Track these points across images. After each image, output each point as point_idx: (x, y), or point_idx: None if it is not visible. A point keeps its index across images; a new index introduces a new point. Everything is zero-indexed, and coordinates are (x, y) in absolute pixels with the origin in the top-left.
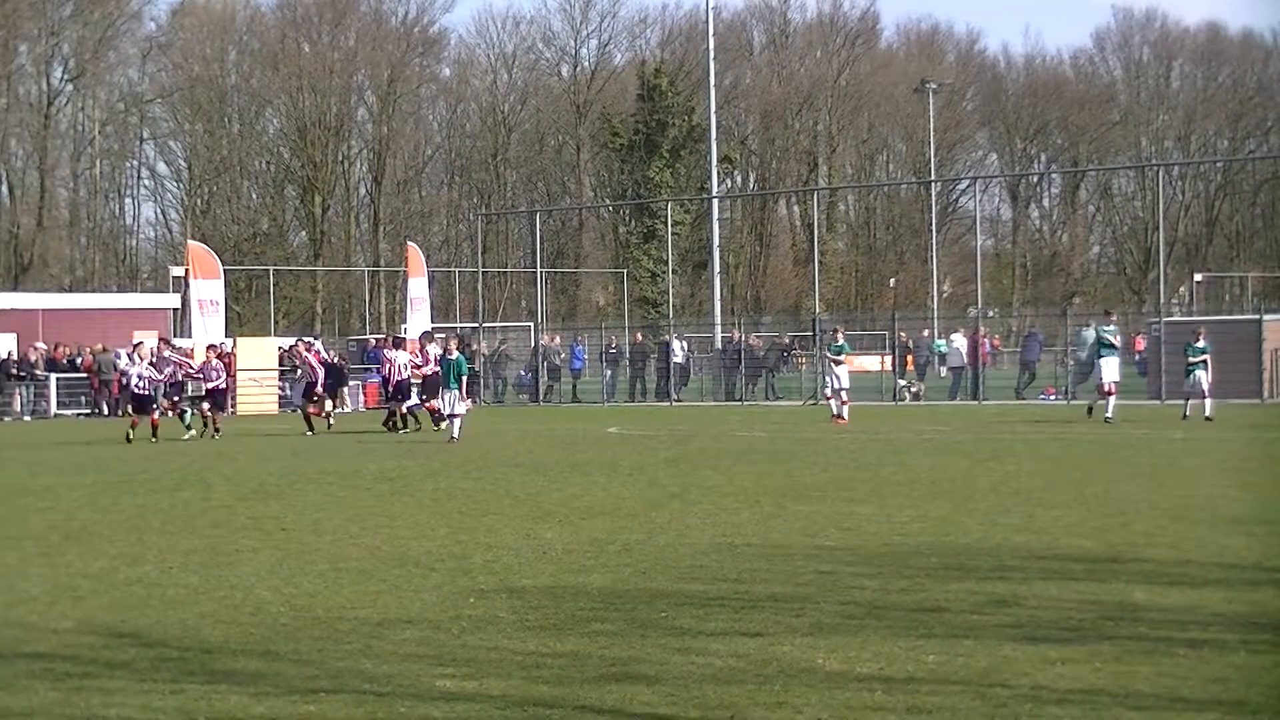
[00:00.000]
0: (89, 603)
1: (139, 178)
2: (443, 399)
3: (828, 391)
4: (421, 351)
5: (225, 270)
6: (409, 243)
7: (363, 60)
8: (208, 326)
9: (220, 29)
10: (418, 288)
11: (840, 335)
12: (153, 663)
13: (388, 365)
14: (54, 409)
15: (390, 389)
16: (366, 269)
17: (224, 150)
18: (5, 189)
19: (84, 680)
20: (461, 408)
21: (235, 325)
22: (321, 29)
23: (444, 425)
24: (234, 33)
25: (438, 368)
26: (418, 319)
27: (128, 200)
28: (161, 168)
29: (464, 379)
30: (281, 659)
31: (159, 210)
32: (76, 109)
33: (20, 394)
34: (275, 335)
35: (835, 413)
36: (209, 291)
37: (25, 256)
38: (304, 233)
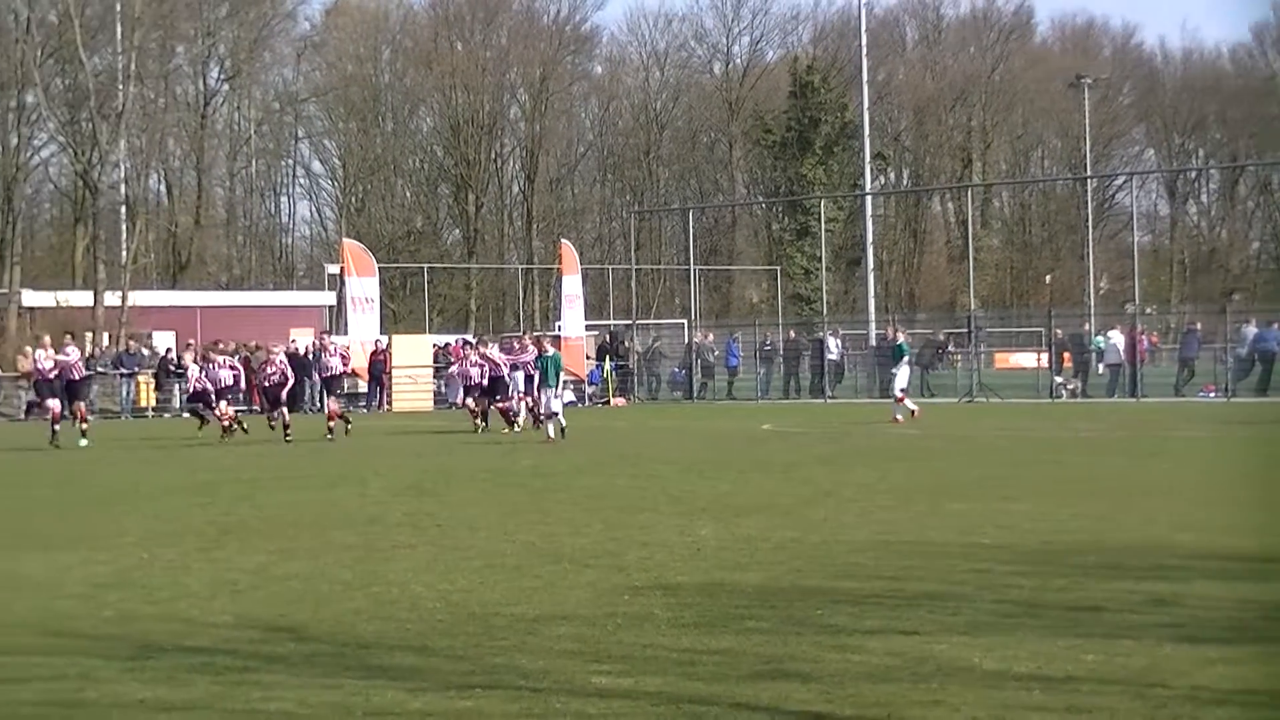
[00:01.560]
0: (247, 598)
1: (294, 176)
2: (541, 397)
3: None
4: (465, 355)
5: (380, 268)
6: (562, 240)
7: (515, 58)
8: (363, 324)
9: (374, 28)
10: (571, 285)
11: (901, 336)
12: (309, 657)
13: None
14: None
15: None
16: (520, 267)
17: (378, 149)
18: (163, 188)
19: (243, 674)
20: (558, 405)
21: (390, 323)
22: (474, 27)
23: (539, 425)
24: (387, 32)
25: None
26: (571, 317)
27: (283, 199)
28: (316, 166)
29: (560, 376)
30: (437, 654)
31: (314, 208)
32: (232, 108)
33: (178, 390)
34: (430, 333)
35: (897, 414)
36: (364, 289)
37: (183, 255)
38: (457, 230)
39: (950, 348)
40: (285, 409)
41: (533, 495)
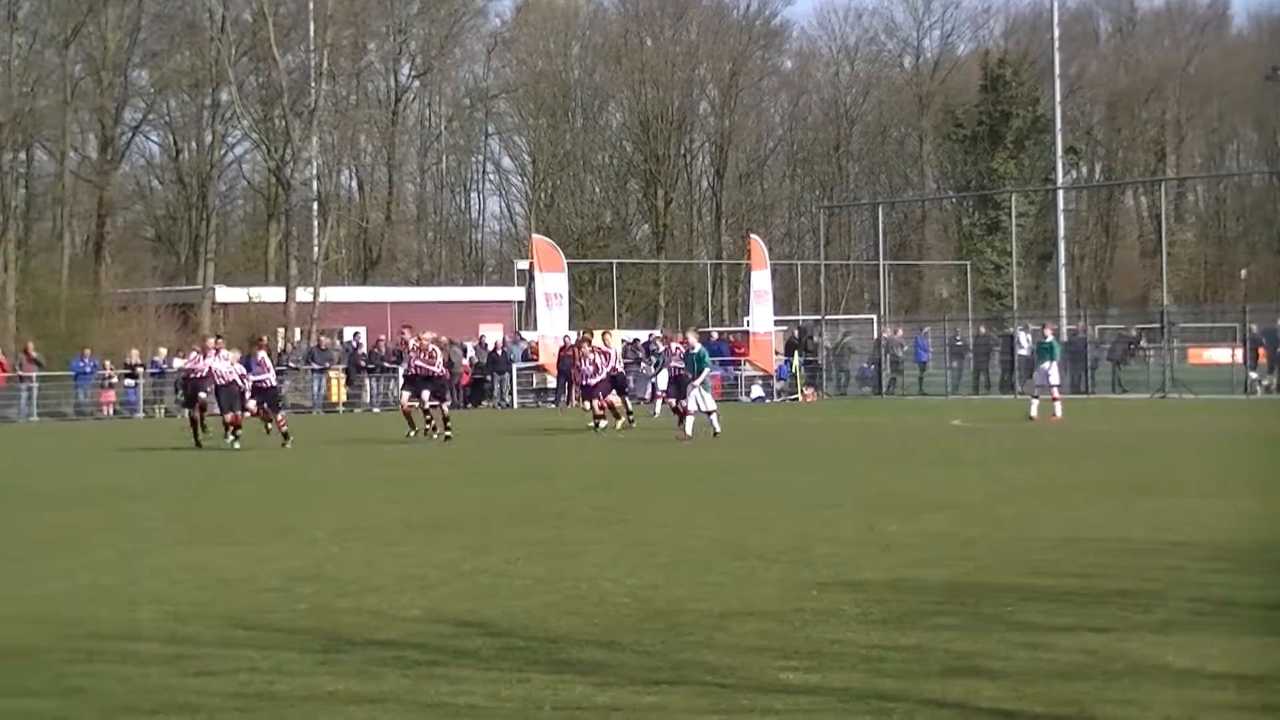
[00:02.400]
0: (436, 592)
1: (484, 172)
2: (687, 394)
3: (1036, 391)
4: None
5: (569, 263)
6: (751, 235)
7: (704, 54)
8: (552, 319)
9: (564, 24)
10: (760, 280)
11: (1049, 333)
12: (499, 651)
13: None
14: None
15: (585, 386)
16: (709, 262)
17: (567, 144)
18: (355, 184)
19: (432, 668)
20: (694, 403)
21: (579, 318)
22: (663, 23)
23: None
24: (577, 28)
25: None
26: (760, 312)
27: (473, 194)
28: (506, 162)
29: (705, 372)
30: (624, 650)
31: (504, 204)
32: (423, 105)
33: (369, 385)
34: (619, 328)
35: (1033, 413)
36: (553, 285)
37: (374, 251)
38: (646, 226)
39: (1143, 343)
40: (442, 404)
41: (718, 491)
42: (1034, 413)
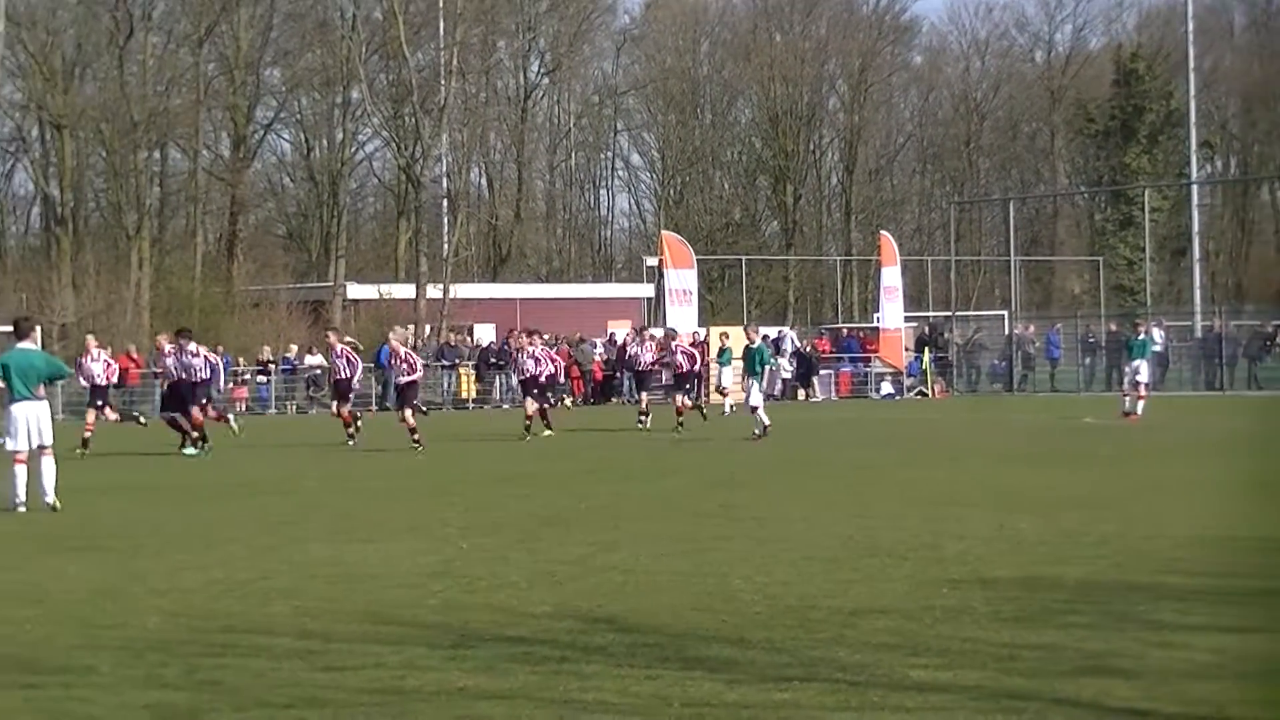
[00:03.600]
0: (566, 588)
1: (613, 169)
2: (746, 390)
3: (1125, 387)
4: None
5: (698, 260)
6: (881, 231)
7: (834, 49)
8: (681, 316)
9: (692, 20)
10: (890, 276)
11: (1143, 330)
12: (629, 648)
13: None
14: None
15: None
16: (838, 258)
17: (696, 141)
18: (484, 182)
19: (561, 664)
20: (757, 398)
21: (709, 314)
22: (793, 19)
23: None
24: (706, 24)
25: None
26: (890, 308)
27: (602, 191)
28: (635, 159)
29: (767, 368)
30: (754, 647)
31: (633, 201)
32: (553, 102)
33: (499, 382)
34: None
35: (1128, 409)
36: (682, 281)
37: (504, 248)
38: (776, 222)
39: (1279, 339)
40: (540, 403)
41: (847, 487)
42: (1130, 408)
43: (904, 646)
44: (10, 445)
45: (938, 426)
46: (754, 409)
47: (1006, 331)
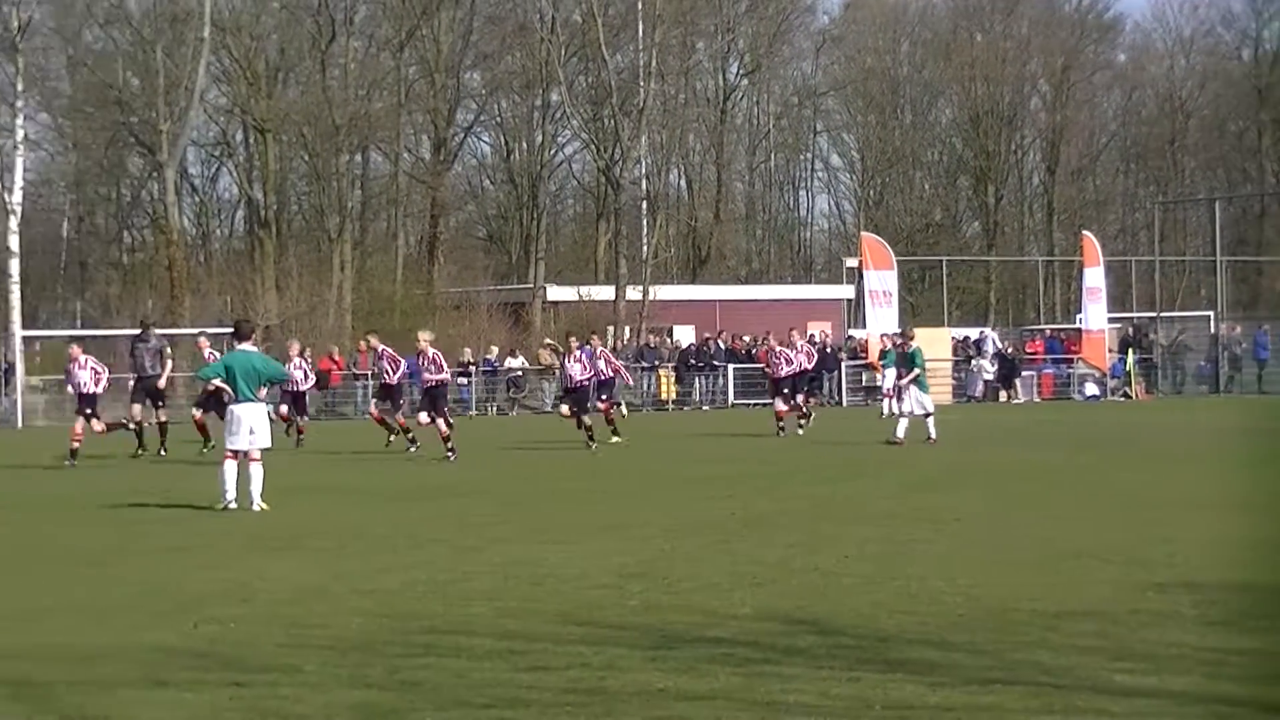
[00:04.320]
0: (767, 590)
1: (812, 170)
2: (899, 395)
3: None
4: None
5: (898, 261)
6: (1084, 232)
7: (1036, 48)
8: (881, 317)
9: (892, 20)
10: (1093, 277)
11: None
12: (829, 650)
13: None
14: (731, 399)
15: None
16: (1040, 259)
17: (896, 141)
18: (684, 183)
19: (763, 665)
20: (912, 405)
21: (909, 316)
22: (994, 18)
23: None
24: (906, 24)
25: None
26: (1094, 309)
27: (802, 192)
28: (835, 160)
29: (916, 371)
30: (956, 649)
31: (832, 202)
32: (751, 103)
33: (699, 384)
34: (948, 326)
35: None
36: (882, 282)
37: (703, 249)
38: (977, 223)
39: None
40: (582, 412)
41: (1049, 489)
42: None
43: (1108, 650)
44: (230, 444)
45: (1141, 429)
46: (908, 414)
47: (1212, 332)
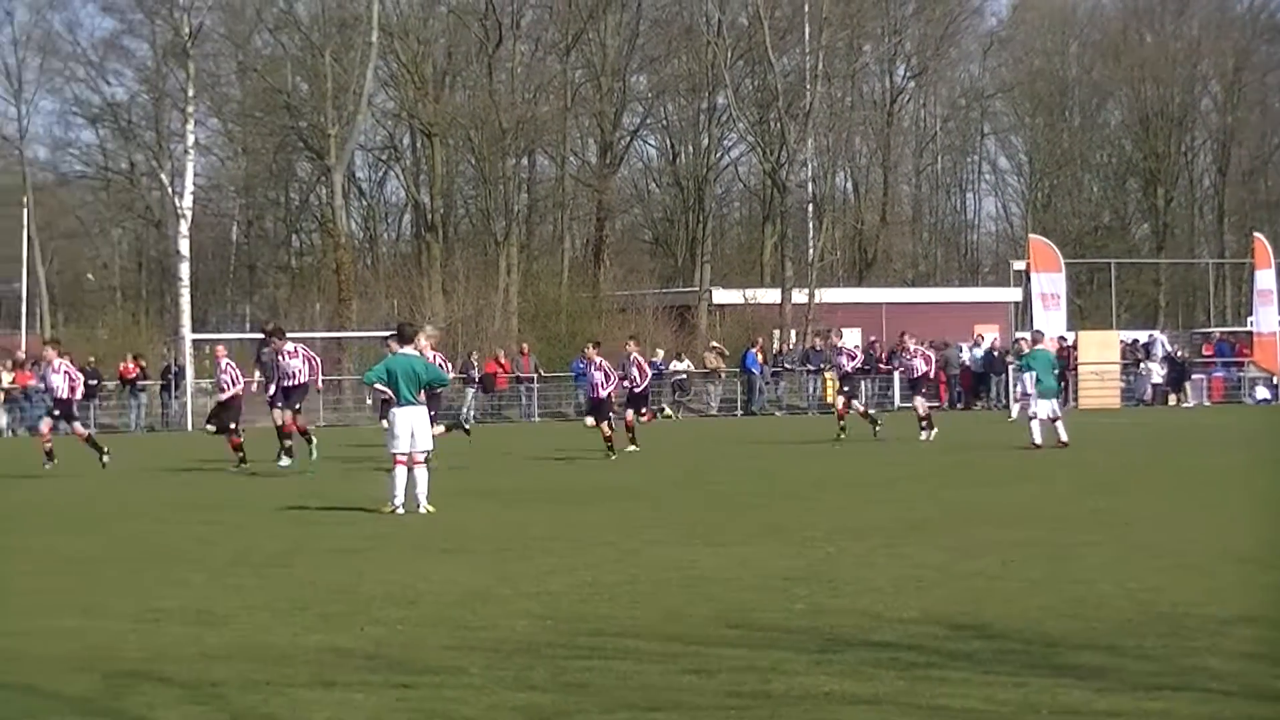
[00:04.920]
0: (931, 593)
1: (979, 172)
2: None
3: None
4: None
5: (1066, 263)
6: (1255, 234)
7: (1207, 49)
8: (1050, 320)
9: (1061, 21)
10: (1265, 280)
11: None
12: (995, 655)
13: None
14: (897, 402)
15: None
16: (1210, 261)
17: (1064, 143)
18: (850, 186)
19: (928, 670)
20: (1037, 408)
21: (1077, 319)
22: (1164, 19)
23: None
24: (1075, 25)
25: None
26: (1265, 312)
27: (969, 195)
28: (1002, 162)
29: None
30: (1125, 654)
31: (1000, 204)
32: (918, 105)
33: (865, 387)
34: (1117, 329)
35: None
36: (1050, 285)
37: (869, 252)
38: (1146, 225)
39: None
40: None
41: (1220, 494)
42: None
43: (1278, 657)
44: (392, 448)
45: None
46: (1034, 418)
47: None
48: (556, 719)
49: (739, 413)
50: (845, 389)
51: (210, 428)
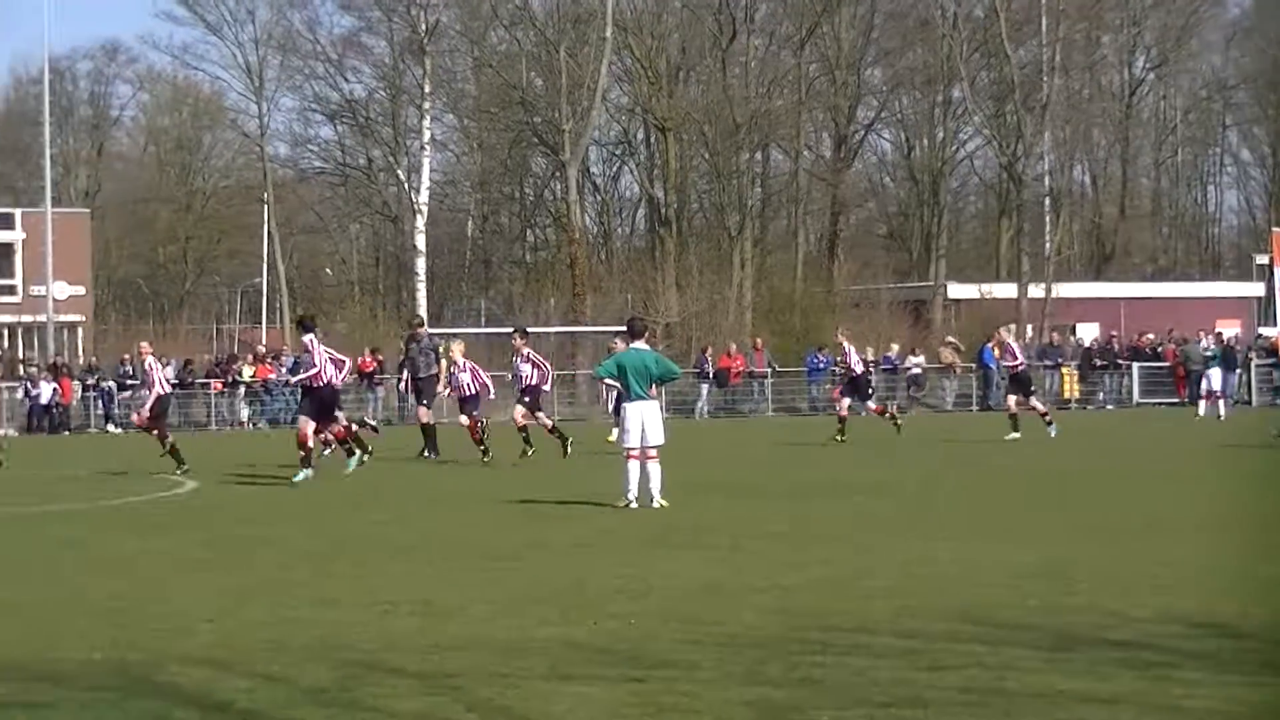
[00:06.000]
0: (1169, 592)
1: (1221, 165)
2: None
3: None
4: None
5: None
6: None
7: None
8: None
9: None
10: None
11: None
12: (1236, 654)
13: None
14: (1136, 398)
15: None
16: None
17: None
18: (1087, 179)
19: (1166, 669)
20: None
21: None
22: None
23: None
24: None
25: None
26: None
27: (1209, 187)
28: (1245, 154)
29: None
30: None
31: (1242, 197)
32: (1158, 97)
33: (1106, 382)
34: None
35: None
36: None
37: (1107, 246)
38: None
39: None
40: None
41: None
42: None
43: None
44: (625, 442)
45: None
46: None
47: None
48: (789, 714)
49: (974, 408)
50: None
51: (463, 419)
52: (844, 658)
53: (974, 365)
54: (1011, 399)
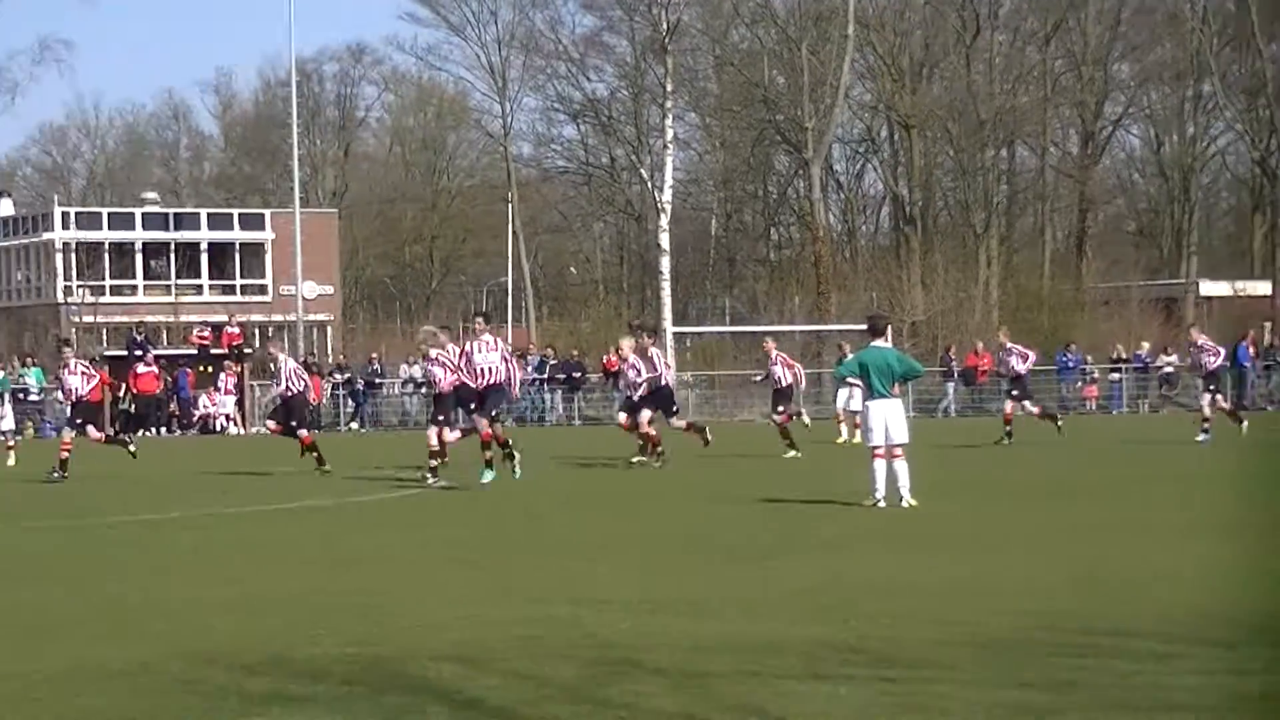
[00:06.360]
0: None
1: None
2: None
3: None
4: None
5: None
6: None
7: None
8: None
9: None
10: None
11: None
12: None
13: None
14: None
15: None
16: None
17: None
18: None
19: None
20: None
21: None
22: None
23: None
24: None
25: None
26: None
27: None
28: None
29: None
30: None
31: None
32: None
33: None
34: None
35: None
36: None
37: None
38: None
39: None
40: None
41: None
42: None
43: None
44: (869, 441)
45: None
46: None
47: None
48: (1048, 717)
49: (1228, 407)
50: (1014, 391)
51: (679, 424)
52: (1104, 660)
53: (1228, 364)
54: (1206, 399)
